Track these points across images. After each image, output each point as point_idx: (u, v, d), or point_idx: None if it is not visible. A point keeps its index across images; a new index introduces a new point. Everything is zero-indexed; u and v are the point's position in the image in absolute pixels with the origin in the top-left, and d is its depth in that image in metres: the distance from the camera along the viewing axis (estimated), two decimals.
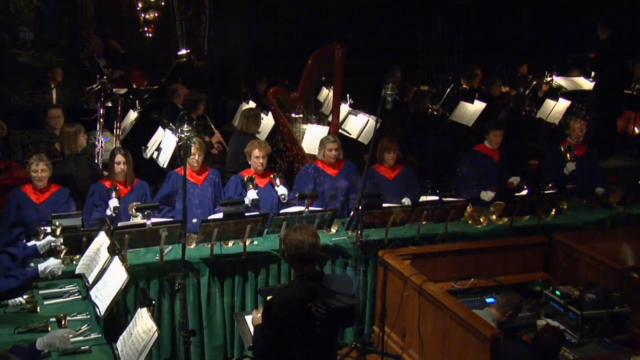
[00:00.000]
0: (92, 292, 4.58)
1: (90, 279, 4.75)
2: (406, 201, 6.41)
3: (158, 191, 6.30)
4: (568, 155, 7.08)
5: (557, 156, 7.21)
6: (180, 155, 4.50)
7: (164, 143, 7.03)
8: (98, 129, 7.50)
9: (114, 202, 5.76)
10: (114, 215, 5.73)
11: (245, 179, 6.14)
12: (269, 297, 3.79)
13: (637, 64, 9.51)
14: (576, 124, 7.24)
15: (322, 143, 6.71)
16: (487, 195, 6.82)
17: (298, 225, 3.78)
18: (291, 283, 3.80)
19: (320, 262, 3.77)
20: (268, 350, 3.72)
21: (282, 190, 6.17)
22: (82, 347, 4.13)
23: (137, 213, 5.55)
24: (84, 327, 4.35)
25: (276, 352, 3.72)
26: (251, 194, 6.05)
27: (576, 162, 7.07)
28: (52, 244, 4.91)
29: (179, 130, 4.36)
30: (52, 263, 4.55)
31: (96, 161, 7.19)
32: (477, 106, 9.16)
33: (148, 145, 7.46)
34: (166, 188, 6.21)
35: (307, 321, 3.65)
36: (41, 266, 4.52)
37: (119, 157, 6.00)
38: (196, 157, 6.15)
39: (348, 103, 8.74)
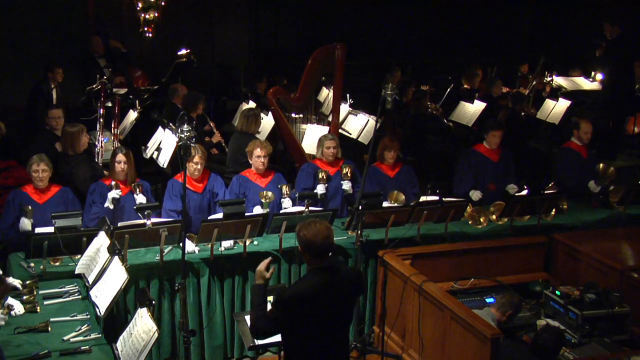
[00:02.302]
0: (92, 292, 4.59)
1: (90, 279, 4.75)
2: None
3: (164, 200, 6.25)
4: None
5: (572, 156, 7.19)
6: (180, 155, 4.48)
7: (164, 143, 7.03)
8: (98, 129, 7.50)
9: (113, 193, 5.75)
10: (111, 207, 5.71)
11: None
12: (283, 290, 3.83)
13: (636, 63, 9.48)
14: (587, 126, 7.21)
15: (320, 141, 6.72)
16: (475, 195, 6.83)
17: (311, 220, 3.80)
18: (305, 276, 3.84)
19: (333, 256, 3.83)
20: (274, 334, 3.77)
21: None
22: (82, 347, 4.13)
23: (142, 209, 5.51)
24: (84, 327, 4.36)
25: (291, 344, 3.76)
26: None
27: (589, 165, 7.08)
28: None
29: (179, 130, 4.35)
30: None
31: (96, 161, 7.19)
32: (477, 106, 9.16)
33: (148, 145, 7.46)
34: (173, 203, 6.15)
35: (322, 313, 3.69)
36: None
37: (120, 156, 5.99)
38: (198, 167, 6.10)
39: (348, 103, 8.75)
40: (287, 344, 3.82)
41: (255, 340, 4.30)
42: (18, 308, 4.53)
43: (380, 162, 6.75)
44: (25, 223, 5.47)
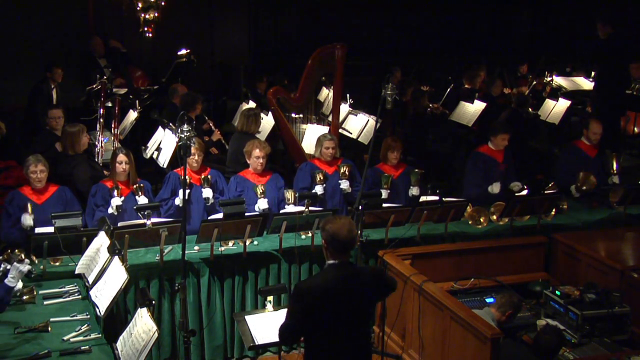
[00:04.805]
0: (92, 292, 4.59)
1: (90, 279, 4.75)
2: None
3: (159, 193, 6.30)
4: (612, 170, 7.03)
5: (577, 154, 7.21)
6: (180, 155, 4.50)
7: (164, 143, 7.03)
8: (98, 129, 7.50)
9: (116, 201, 5.76)
10: (116, 214, 5.73)
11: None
12: (300, 282, 3.86)
13: (633, 65, 9.50)
14: (596, 126, 7.22)
15: (319, 141, 6.72)
16: (494, 187, 6.81)
17: (335, 216, 3.92)
18: (323, 270, 3.87)
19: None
20: (297, 334, 3.79)
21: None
22: (82, 347, 4.13)
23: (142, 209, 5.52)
24: (84, 327, 4.36)
25: (309, 341, 3.78)
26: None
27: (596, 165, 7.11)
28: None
29: (179, 130, 4.35)
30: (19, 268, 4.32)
31: (96, 161, 7.19)
32: (477, 106, 9.16)
33: (148, 145, 7.46)
34: (166, 192, 6.21)
35: (339, 309, 3.71)
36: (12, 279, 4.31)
37: (121, 157, 5.98)
38: (196, 157, 6.16)
39: (348, 103, 8.75)
40: (306, 341, 3.83)
41: (255, 340, 4.30)
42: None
43: (384, 163, 6.75)
44: (27, 218, 5.47)
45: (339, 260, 3.78)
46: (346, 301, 3.73)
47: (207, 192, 6.08)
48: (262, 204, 6.01)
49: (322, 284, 3.73)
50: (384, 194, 6.32)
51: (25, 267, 4.21)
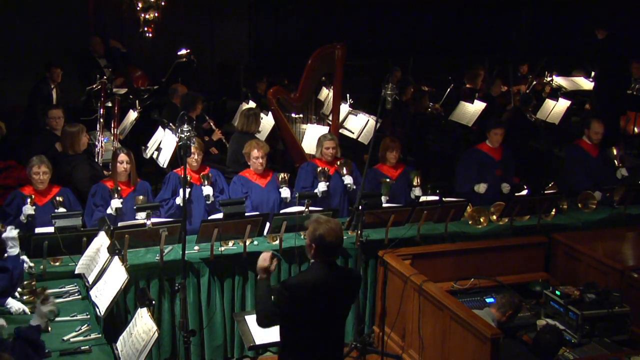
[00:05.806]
0: (92, 292, 4.58)
1: (90, 279, 4.75)
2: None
3: (159, 193, 6.30)
4: (616, 161, 7.09)
5: (580, 154, 7.23)
6: (180, 155, 4.50)
7: (164, 143, 7.03)
8: (98, 129, 7.50)
9: (116, 203, 5.75)
10: (115, 215, 5.73)
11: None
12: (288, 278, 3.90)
13: (634, 64, 9.50)
14: (598, 125, 7.23)
15: (320, 141, 6.72)
16: (480, 187, 6.84)
17: (325, 218, 3.85)
18: (310, 268, 3.89)
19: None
20: (275, 321, 3.84)
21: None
22: (82, 347, 4.13)
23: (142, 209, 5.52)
24: (84, 327, 4.36)
25: (289, 335, 3.82)
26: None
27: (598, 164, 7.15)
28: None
29: (179, 130, 4.35)
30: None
31: (96, 161, 7.19)
32: (477, 106, 9.16)
33: (148, 145, 7.46)
34: (167, 192, 6.22)
35: (322, 306, 3.75)
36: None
37: (122, 157, 5.99)
38: (195, 157, 6.16)
39: (348, 103, 8.75)
40: (285, 335, 3.86)
41: (255, 340, 4.30)
42: (17, 306, 4.50)
43: (383, 163, 6.75)
44: (27, 208, 5.48)
45: (327, 261, 3.80)
46: (330, 298, 3.78)
47: (207, 190, 6.09)
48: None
49: (309, 281, 3.76)
50: (384, 200, 6.27)
51: (47, 308, 4.27)
